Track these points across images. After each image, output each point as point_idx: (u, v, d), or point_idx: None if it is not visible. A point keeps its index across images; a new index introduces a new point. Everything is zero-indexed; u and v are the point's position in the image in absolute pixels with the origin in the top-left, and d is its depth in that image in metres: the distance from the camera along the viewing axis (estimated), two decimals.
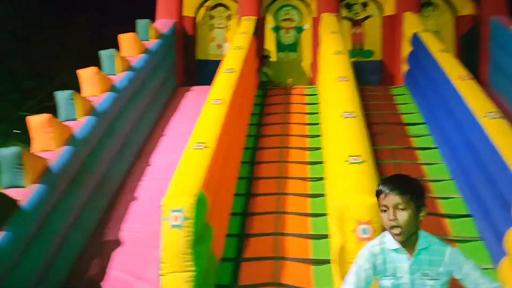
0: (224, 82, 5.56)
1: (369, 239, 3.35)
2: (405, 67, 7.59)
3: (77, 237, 4.29)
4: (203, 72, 8.57)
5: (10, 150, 3.76)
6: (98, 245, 4.45)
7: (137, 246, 4.45)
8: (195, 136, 4.38)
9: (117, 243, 4.46)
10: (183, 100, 7.35)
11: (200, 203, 3.55)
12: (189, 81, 8.38)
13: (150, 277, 4.08)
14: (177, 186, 3.65)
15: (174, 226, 3.43)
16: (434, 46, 6.46)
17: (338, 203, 3.48)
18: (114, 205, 5.00)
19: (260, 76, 7.76)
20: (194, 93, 7.61)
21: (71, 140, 4.61)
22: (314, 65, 8.38)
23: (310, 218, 4.74)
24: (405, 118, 6.51)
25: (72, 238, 4.19)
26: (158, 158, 5.87)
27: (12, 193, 3.65)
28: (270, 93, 7.52)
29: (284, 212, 4.75)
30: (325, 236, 4.45)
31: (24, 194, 3.73)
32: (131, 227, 4.69)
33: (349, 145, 4.13)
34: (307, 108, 6.85)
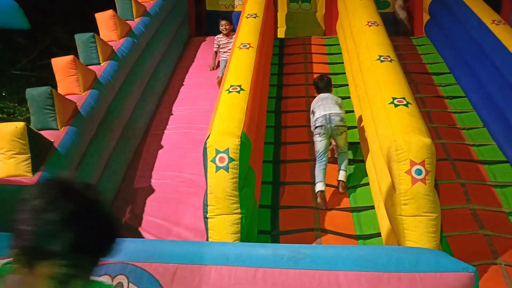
0: (250, 27, 5.31)
1: (423, 180, 3.26)
2: (426, 17, 7.35)
3: (108, 183, 4.14)
4: (213, 23, 8.27)
5: (41, 90, 3.54)
6: (130, 192, 4.31)
7: (169, 193, 4.32)
8: (229, 79, 4.18)
9: (148, 190, 4.33)
10: (198, 50, 7.07)
11: (244, 145, 3.41)
12: (200, 32, 8.07)
13: (187, 223, 3.98)
14: (220, 127, 3.49)
15: (220, 167, 3.29)
16: None
17: (390, 144, 3.35)
18: (141, 154, 4.84)
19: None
20: (208, 43, 7.32)
21: (96, 83, 4.38)
22: (328, 16, 8.11)
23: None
24: (430, 68, 6.35)
25: (104, 184, 4.04)
26: (179, 107, 5.67)
27: (46, 134, 3.46)
28: (287, 43, 7.27)
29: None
30: (361, 185, 4.38)
31: (58, 136, 3.54)
32: (160, 174, 4.55)
33: (392, 88, 3.98)
34: (328, 58, 6.63)
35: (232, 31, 6.30)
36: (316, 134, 4.27)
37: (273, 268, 1.59)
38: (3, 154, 3.13)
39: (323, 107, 4.30)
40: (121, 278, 1.62)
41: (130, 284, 1.61)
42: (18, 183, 2.96)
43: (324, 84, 4.59)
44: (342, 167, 4.31)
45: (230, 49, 5.65)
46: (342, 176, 4.28)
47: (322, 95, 4.48)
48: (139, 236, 3.84)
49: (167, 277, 1.61)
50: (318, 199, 4.08)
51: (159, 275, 1.62)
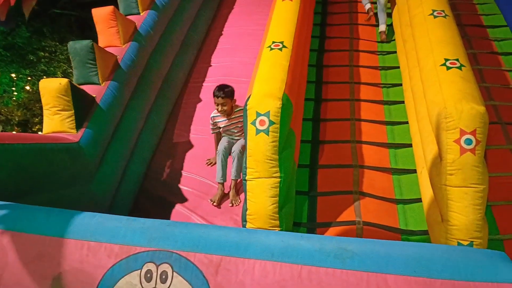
0: None
1: (472, 150, 3.11)
2: None
3: (149, 137, 4.18)
4: None
5: (82, 43, 3.51)
6: (169, 146, 4.35)
7: (207, 149, 4.34)
8: (271, 35, 4.01)
9: (187, 145, 4.35)
10: None
11: (286, 107, 3.31)
12: None
13: (226, 182, 4.00)
14: (261, 89, 3.38)
15: (260, 130, 3.23)
16: None
17: (439, 110, 3.18)
18: (180, 106, 4.83)
19: None
20: None
21: (136, 35, 4.31)
22: None
23: (385, 127, 4.50)
24: (485, 20, 5.89)
25: (145, 138, 4.08)
26: (218, 58, 5.55)
27: (88, 89, 3.47)
28: None
29: (360, 119, 4.51)
30: (404, 146, 4.26)
31: (100, 91, 3.55)
32: (199, 129, 4.55)
33: (445, 48, 3.72)
34: (375, 7, 6.25)
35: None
36: None
37: (319, 266, 1.56)
38: (48, 110, 3.18)
39: None
40: (166, 267, 1.64)
41: (174, 273, 1.61)
42: (63, 140, 3.02)
43: None
44: (382, 21, 5.50)
45: (240, 132, 3.87)
46: (382, 28, 5.50)
47: None
48: (179, 192, 3.91)
49: (211, 269, 1.61)
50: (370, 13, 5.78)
51: (204, 267, 1.61)
